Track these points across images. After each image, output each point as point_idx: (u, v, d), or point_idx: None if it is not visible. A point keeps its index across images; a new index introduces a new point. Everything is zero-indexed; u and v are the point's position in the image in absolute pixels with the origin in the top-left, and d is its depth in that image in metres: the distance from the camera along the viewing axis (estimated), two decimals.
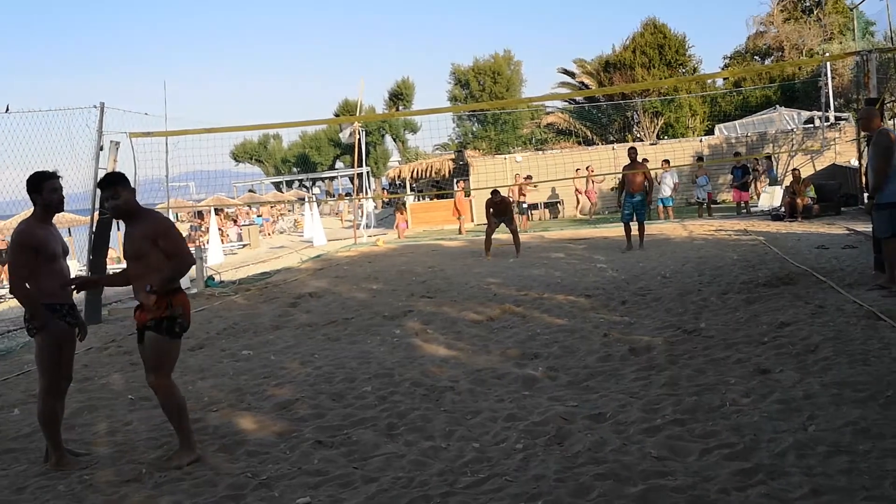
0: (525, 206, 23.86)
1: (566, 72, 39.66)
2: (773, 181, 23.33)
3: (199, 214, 32.99)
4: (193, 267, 17.20)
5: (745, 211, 21.21)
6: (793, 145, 26.84)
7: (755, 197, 23.91)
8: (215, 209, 29.71)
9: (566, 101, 38.00)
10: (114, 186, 4.66)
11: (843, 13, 38.78)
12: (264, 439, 5.03)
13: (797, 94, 34.03)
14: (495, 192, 14.98)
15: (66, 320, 4.80)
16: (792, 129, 28.06)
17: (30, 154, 10.39)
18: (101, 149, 10.55)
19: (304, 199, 40.83)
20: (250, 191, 58.74)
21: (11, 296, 4.85)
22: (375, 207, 32.17)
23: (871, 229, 8.99)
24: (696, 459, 4.13)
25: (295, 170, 70.26)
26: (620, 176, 14.68)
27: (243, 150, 70.08)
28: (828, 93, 28.43)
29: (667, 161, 20.94)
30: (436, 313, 9.29)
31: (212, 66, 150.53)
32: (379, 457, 4.56)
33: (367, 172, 27.75)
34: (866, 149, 8.51)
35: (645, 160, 15.28)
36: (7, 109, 9.45)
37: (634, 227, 14.07)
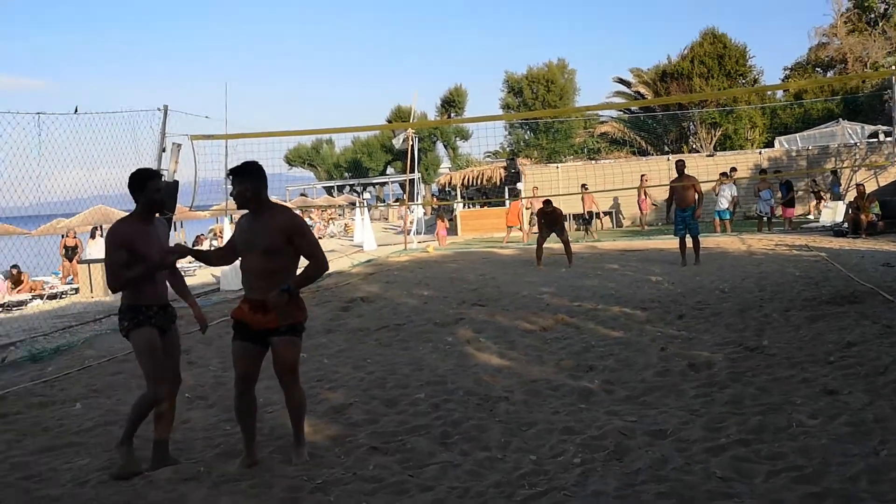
0: (594, 214, 23.65)
1: (622, 81, 39.32)
2: (836, 196, 22.75)
3: None
4: None
5: (782, 228, 20.65)
6: (856, 160, 26.12)
7: (816, 212, 23.32)
8: None
9: (621, 110, 37.63)
10: (247, 175, 4.54)
11: None
12: (319, 443, 5.02)
13: (861, 108, 33.14)
14: (547, 202, 14.86)
15: (151, 322, 4.63)
16: (855, 144, 27.30)
17: (96, 154, 10.66)
18: (164, 150, 10.74)
19: (354, 204, 41.13)
20: (302, 195, 59.34)
21: (114, 290, 4.77)
22: (424, 214, 32.22)
23: None
24: (762, 481, 4.00)
25: (346, 175, 70.81)
26: (668, 190, 14.37)
27: (296, 155, 70.81)
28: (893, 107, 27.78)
29: (724, 174, 20.52)
30: (488, 322, 9.22)
31: (267, 73, 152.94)
32: (434, 465, 4.52)
33: (418, 178, 27.79)
34: None
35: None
36: (76, 110, 9.68)
37: (689, 241, 13.78)
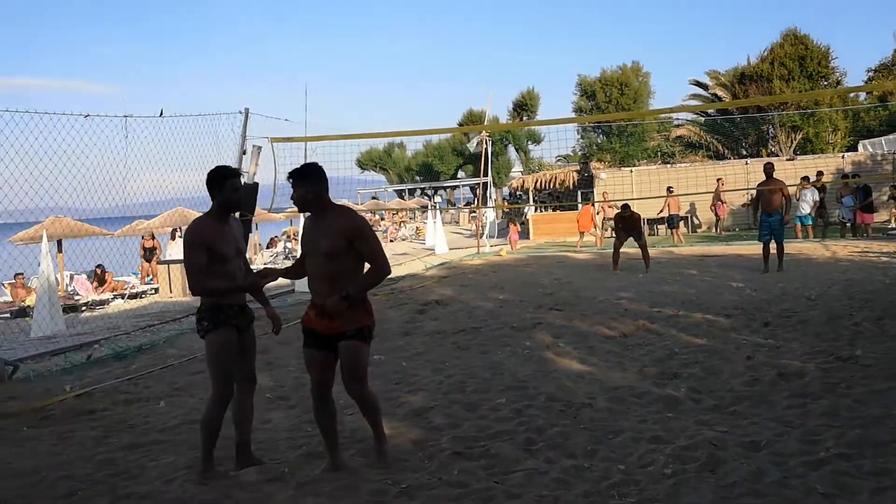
0: (677, 217, 23.20)
1: (698, 83, 38.48)
2: None
3: None
4: None
5: (866, 234, 19.80)
6: None
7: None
8: None
9: (697, 113, 36.83)
10: (307, 178, 4.41)
11: None
12: (401, 446, 4.99)
13: None
14: (625, 207, 14.62)
15: (233, 322, 4.59)
16: None
17: (178, 157, 10.93)
18: (244, 153, 10.93)
19: (426, 207, 41.29)
20: (373, 198, 59.93)
21: (195, 295, 4.65)
22: (496, 217, 32.12)
23: None
24: (867, 499, 3.81)
25: (417, 178, 71.32)
26: (755, 193, 13.92)
27: (369, 158, 71.71)
28: None
29: (806, 178, 19.85)
30: (566, 326, 9.09)
31: (347, 78, 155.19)
32: (520, 472, 4.43)
33: (490, 182, 27.71)
34: None
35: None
36: (161, 113, 9.94)
37: (773, 247, 13.35)
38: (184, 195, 13.44)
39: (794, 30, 33.72)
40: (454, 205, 63.86)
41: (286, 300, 14.10)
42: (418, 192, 68.13)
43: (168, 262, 18.33)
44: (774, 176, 13.42)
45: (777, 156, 29.53)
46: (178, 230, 21.58)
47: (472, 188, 59.81)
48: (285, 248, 28.52)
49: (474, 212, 44.64)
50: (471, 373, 7.06)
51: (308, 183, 4.40)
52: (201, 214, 4.83)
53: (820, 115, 31.89)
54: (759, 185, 13.55)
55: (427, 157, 68.35)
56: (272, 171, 11.34)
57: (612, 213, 23.16)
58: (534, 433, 5.14)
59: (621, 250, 14.96)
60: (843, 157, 27.05)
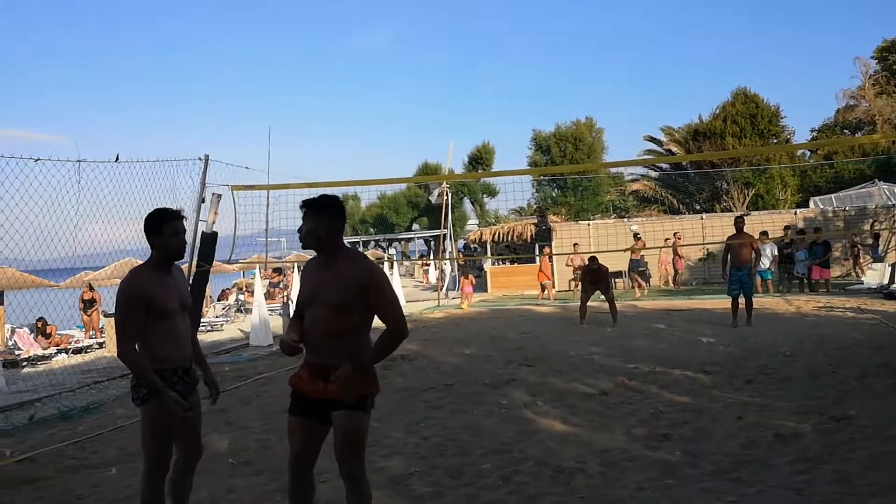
0: (642, 267, 23.14)
1: (652, 139, 39.14)
2: (878, 259, 22.13)
3: (279, 271, 33.14)
4: (279, 322, 17.08)
5: (825, 290, 20.00)
6: (894, 222, 25.54)
7: (854, 275, 22.69)
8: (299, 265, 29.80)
9: (650, 167, 37.34)
10: (324, 210, 3.79)
11: None
12: None
13: (894, 169, 32.62)
14: (593, 259, 14.41)
15: (177, 388, 3.95)
16: (894, 205, 26.74)
17: (133, 205, 10.38)
18: (203, 200, 10.46)
19: (382, 260, 40.79)
20: None
21: (124, 362, 3.96)
22: (452, 271, 31.74)
23: None
24: None
25: (372, 230, 70.90)
26: (723, 247, 13.87)
27: None
28: None
29: (765, 233, 19.99)
30: (541, 383, 8.72)
31: (303, 129, 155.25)
32: None
33: (451, 234, 27.35)
34: None
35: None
36: (117, 159, 9.44)
37: (741, 301, 13.24)
38: (136, 246, 12.82)
39: (744, 89, 34.63)
40: (409, 257, 63.50)
41: (241, 355, 13.49)
42: (372, 244, 67.63)
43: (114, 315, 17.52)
44: (727, 232, 13.42)
45: (731, 211, 29.92)
46: None
47: (427, 241, 59.65)
48: (237, 300, 27.70)
49: (427, 264, 44.38)
50: (448, 434, 6.63)
51: (323, 216, 3.76)
52: (139, 263, 4.23)
53: (771, 171, 32.56)
54: (728, 238, 13.48)
55: (382, 208, 68.09)
56: (231, 220, 10.85)
57: (578, 262, 23.05)
58: (527, 502, 4.73)
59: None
60: (795, 213, 27.51)
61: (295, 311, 3.99)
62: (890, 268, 19.01)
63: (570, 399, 7.86)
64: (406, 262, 52.33)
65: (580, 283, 14.87)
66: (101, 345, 17.84)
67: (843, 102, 39.64)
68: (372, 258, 4.49)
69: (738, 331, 12.54)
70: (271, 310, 18.61)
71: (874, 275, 20.14)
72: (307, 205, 3.81)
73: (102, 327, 18.73)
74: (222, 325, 21.54)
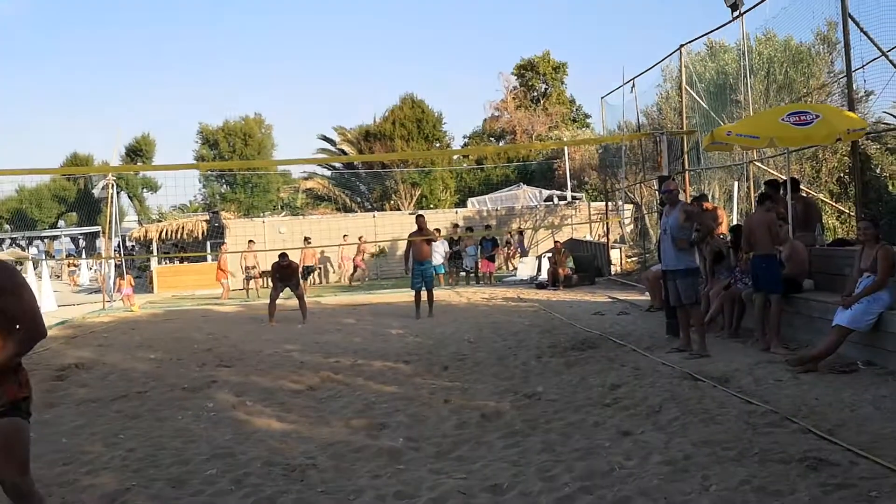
0: (311, 269, 23.31)
1: (326, 139, 39.77)
2: (524, 253, 24.91)
3: None
4: None
5: (489, 282, 22.18)
6: (537, 220, 28.93)
7: (505, 268, 25.29)
8: None
9: (323, 165, 37.98)
10: None
11: (565, 105, 43.55)
12: None
13: (533, 175, 36.93)
14: (283, 256, 14.29)
15: None
16: (535, 206, 30.26)
17: None
18: None
19: (22, 260, 36.47)
20: None
21: None
22: (109, 271, 29.31)
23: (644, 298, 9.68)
24: None
25: (8, 227, 62.88)
26: (406, 243, 14.59)
27: None
28: (565, 174, 31.42)
29: (438, 230, 21.42)
30: (245, 383, 8.48)
31: None
32: None
33: (115, 231, 25.11)
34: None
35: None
36: None
37: (423, 294, 14.07)
38: None
39: (411, 95, 36.74)
40: (53, 257, 57.46)
41: None
42: (8, 241, 59.95)
43: None
44: (397, 230, 14.26)
45: (400, 210, 31.58)
46: None
47: (74, 239, 54.51)
48: None
49: (76, 265, 40.56)
50: (157, 443, 6.16)
51: None
52: None
53: (435, 173, 34.93)
54: (410, 235, 14.21)
55: (21, 203, 60.79)
56: None
57: (252, 259, 22.62)
58: None
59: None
60: (456, 212, 29.89)
61: None
62: (538, 260, 21.46)
63: (279, 397, 7.75)
64: (52, 263, 47.29)
65: (271, 280, 14.66)
66: None
67: (489, 113, 44.00)
68: (11, 258, 4.06)
69: (423, 322, 13.30)
70: None
71: (524, 268, 22.60)
72: None
73: None
74: None
